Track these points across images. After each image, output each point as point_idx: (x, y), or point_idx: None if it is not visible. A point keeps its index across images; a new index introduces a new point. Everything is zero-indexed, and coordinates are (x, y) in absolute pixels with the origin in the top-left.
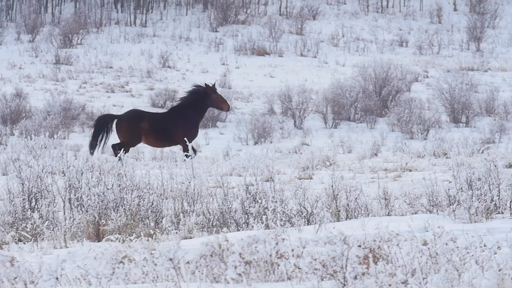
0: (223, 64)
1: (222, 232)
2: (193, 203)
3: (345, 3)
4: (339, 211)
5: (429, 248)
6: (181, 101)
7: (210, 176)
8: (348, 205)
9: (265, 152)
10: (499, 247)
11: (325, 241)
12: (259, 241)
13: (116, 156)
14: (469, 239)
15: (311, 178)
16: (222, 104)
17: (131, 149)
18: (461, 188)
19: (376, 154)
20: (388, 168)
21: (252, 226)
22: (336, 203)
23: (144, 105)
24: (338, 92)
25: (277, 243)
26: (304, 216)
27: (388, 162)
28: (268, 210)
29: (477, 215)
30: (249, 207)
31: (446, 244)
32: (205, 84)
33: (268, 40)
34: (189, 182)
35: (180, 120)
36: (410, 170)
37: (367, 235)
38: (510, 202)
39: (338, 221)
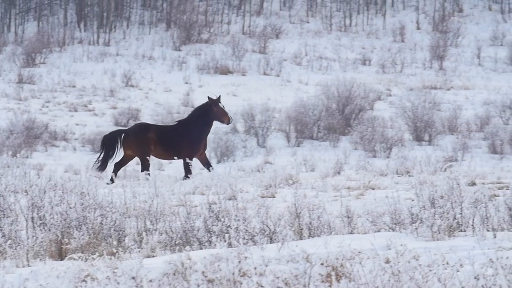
0: (186, 83)
1: (185, 250)
2: (156, 221)
3: (308, 22)
4: (301, 229)
5: (391, 266)
6: (188, 116)
7: (173, 194)
8: (311, 223)
9: (228, 171)
10: (461, 265)
11: (288, 259)
12: (222, 260)
13: (112, 178)
14: (432, 257)
15: (274, 197)
16: (223, 117)
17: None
18: (424, 206)
19: (339, 173)
20: (351, 186)
21: (215, 245)
22: (299, 221)
23: (107, 124)
24: (301, 110)
25: (239, 262)
26: (267, 234)
27: (351, 181)
28: (231, 228)
29: (439, 233)
30: (212, 226)
31: (409, 262)
32: (208, 97)
33: (231, 59)
34: (152, 201)
35: (186, 134)
36: (373, 188)
37: (330, 253)
38: (473, 220)
39: (301, 239)
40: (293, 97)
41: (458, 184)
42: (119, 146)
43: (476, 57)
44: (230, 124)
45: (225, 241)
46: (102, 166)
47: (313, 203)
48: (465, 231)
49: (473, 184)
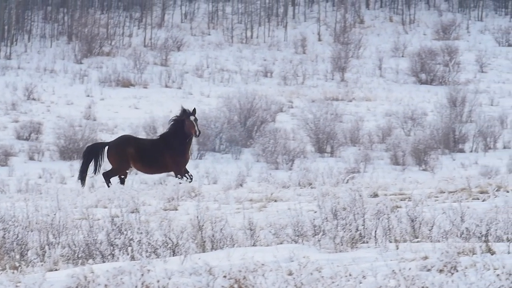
0: (88, 95)
1: (88, 264)
2: (59, 235)
3: (209, 34)
4: (204, 242)
5: (294, 278)
6: (168, 130)
7: (76, 208)
8: (213, 235)
9: (131, 184)
10: (364, 276)
11: (191, 272)
12: (124, 273)
13: (107, 185)
14: (335, 269)
15: (177, 209)
16: (191, 130)
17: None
18: (326, 218)
19: (241, 185)
20: (254, 198)
21: (118, 258)
22: (201, 234)
23: (9, 138)
24: (203, 123)
25: (142, 275)
26: (170, 247)
27: (253, 193)
28: (134, 241)
29: (342, 245)
30: (115, 239)
31: (311, 274)
32: (183, 108)
33: (133, 72)
34: (54, 214)
35: (166, 148)
36: (276, 201)
37: (233, 266)
38: (375, 231)
39: (204, 252)
40: None
41: (360, 195)
42: (102, 158)
43: (377, 68)
44: (198, 137)
45: (128, 254)
46: (82, 177)
47: (216, 216)
48: (367, 242)
49: (376, 195)
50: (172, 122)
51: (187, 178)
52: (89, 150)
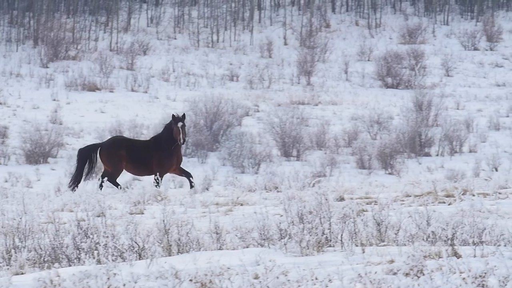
0: (54, 100)
1: (54, 267)
2: (25, 239)
3: (175, 38)
4: (170, 245)
5: (260, 282)
6: (161, 132)
7: (42, 212)
8: (179, 239)
9: (97, 188)
10: (330, 280)
11: (157, 275)
12: (90, 276)
13: (118, 188)
14: (301, 273)
15: (143, 213)
16: (177, 136)
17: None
18: (292, 222)
19: (207, 189)
20: (220, 202)
21: (84, 262)
22: (167, 237)
23: None
24: None
25: (108, 278)
26: (136, 251)
27: (219, 197)
28: (100, 245)
29: (308, 249)
30: (81, 243)
31: (278, 277)
32: (173, 114)
33: (99, 76)
34: (21, 218)
35: (155, 151)
36: (242, 204)
37: (199, 269)
38: (341, 235)
39: (170, 255)
40: (161, 113)
41: (326, 199)
42: (95, 160)
43: (343, 72)
44: (182, 145)
45: (94, 258)
46: (76, 182)
47: (182, 220)
48: (333, 246)
49: (342, 199)
50: (164, 127)
51: (156, 183)
52: (82, 154)
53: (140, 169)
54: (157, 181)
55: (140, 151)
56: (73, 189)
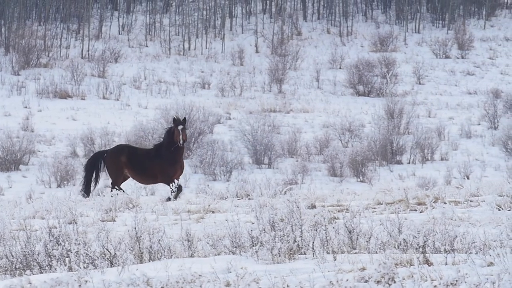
0: (26, 107)
1: (25, 274)
2: None
3: (147, 46)
4: (142, 253)
5: None
6: (162, 139)
7: (13, 219)
8: (151, 247)
9: (68, 195)
10: (302, 287)
11: (128, 283)
12: (62, 284)
13: (123, 192)
14: (272, 280)
15: (114, 220)
16: (177, 138)
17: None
18: (264, 229)
19: (179, 196)
20: (191, 209)
21: (55, 269)
22: (139, 245)
23: None
24: (141, 134)
25: (80, 285)
26: (107, 258)
27: (191, 204)
28: (71, 252)
29: (280, 256)
30: (52, 250)
31: (249, 285)
32: (174, 118)
33: (71, 83)
34: None
35: (157, 158)
36: (213, 212)
37: (170, 277)
38: (313, 242)
39: (142, 263)
40: (132, 120)
41: (298, 207)
42: (101, 167)
43: (315, 80)
44: (181, 146)
45: (65, 265)
46: (87, 190)
47: (154, 227)
48: (305, 253)
49: (313, 207)
50: (166, 131)
51: (172, 191)
52: (91, 162)
53: (142, 176)
54: (172, 190)
55: (141, 159)
56: (86, 196)
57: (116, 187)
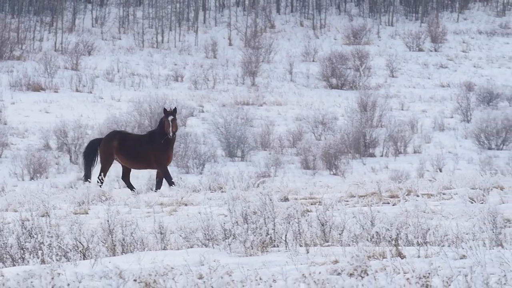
0: None
1: None
2: None
3: (120, 39)
4: (115, 245)
5: (204, 282)
6: (157, 127)
7: None
8: (124, 239)
9: (41, 188)
10: (274, 280)
11: (101, 275)
12: (35, 276)
13: (131, 190)
14: (245, 273)
15: (87, 213)
16: (166, 129)
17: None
18: (237, 222)
19: (151, 189)
20: (164, 202)
21: (28, 261)
22: (112, 237)
23: None
24: (114, 127)
25: (52, 278)
26: (80, 250)
27: (163, 197)
28: (44, 245)
29: (252, 249)
30: (25, 242)
31: (222, 277)
32: (164, 108)
33: (44, 76)
34: None
35: (149, 144)
36: (186, 205)
37: (143, 269)
38: (286, 235)
39: (114, 255)
40: (105, 113)
41: (270, 199)
42: (97, 153)
43: (288, 73)
44: (172, 137)
45: (38, 257)
46: (88, 175)
47: (126, 220)
48: (278, 246)
49: (286, 199)
50: (159, 121)
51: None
52: (89, 150)
53: (133, 161)
54: (170, 183)
55: (133, 144)
56: (87, 181)
57: (102, 173)
